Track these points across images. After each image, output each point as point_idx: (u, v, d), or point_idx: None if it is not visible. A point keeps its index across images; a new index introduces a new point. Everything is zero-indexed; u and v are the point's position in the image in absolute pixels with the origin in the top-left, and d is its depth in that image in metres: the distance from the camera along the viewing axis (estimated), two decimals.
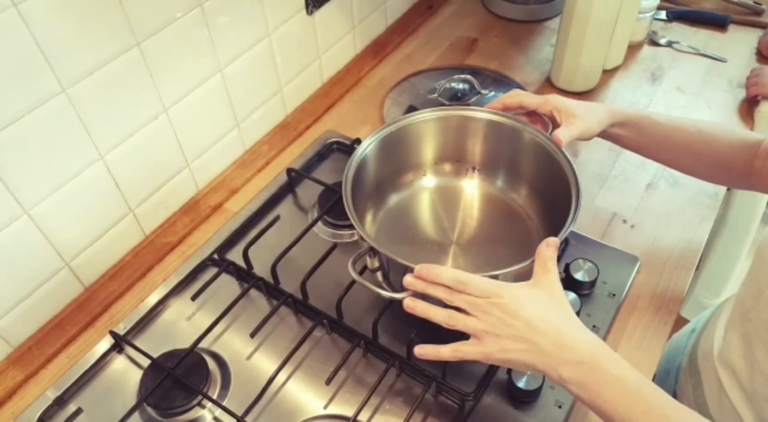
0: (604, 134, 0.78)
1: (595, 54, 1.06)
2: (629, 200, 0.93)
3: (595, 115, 0.75)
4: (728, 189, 1.02)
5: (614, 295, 0.79)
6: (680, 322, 0.93)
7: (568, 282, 0.79)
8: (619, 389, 0.52)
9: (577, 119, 0.74)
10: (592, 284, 0.78)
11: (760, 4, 1.25)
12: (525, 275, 0.69)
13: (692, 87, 1.11)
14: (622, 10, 1.02)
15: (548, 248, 0.59)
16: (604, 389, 0.52)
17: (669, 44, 1.20)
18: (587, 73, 1.09)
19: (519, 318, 0.54)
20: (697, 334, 0.83)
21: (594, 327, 0.76)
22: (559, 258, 0.83)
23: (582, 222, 0.89)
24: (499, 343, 0.55)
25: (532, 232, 0.81)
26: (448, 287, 0.57)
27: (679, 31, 1.23)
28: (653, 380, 0.73)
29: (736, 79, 1.11)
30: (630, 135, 0.77)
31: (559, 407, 0.69)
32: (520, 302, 0.55)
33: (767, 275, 0.61)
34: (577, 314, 0.74)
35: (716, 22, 1.23)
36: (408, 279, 0.60)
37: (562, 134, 0.73)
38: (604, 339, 0.76)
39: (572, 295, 0.76)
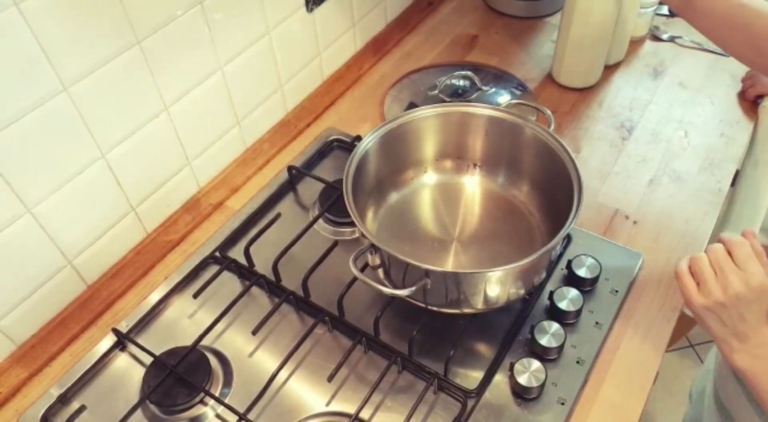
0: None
1: (597, 50, 1.05)
2: (631, 196, 0.92)
3: None
4: (732, 185, 1.02)
5: (617, 291, 0.79)
6: (683, 319, 0.93)
7: (571, 279, 0.79)
8: None
9: None
10: (595, 280, 0.78)
11: None
12: (527, 272, 0.70)
13: (695, 82, 1.10)
14: (623, 5, 1.02)
15: None
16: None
17: (671, 39, 1.19)
18: (588, 69, 1.08)
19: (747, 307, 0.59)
20: (714, 374, 0.84)
21: (597, 323, 0.76)
22: (561, 255, 0.83)
23: (584, 218, 0.88)
24: (712, 311, 0.60)
25: (534, 228, 0.81)
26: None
27: (682, 26, 1.22)
28: None
29: (739, 73, 1.10)
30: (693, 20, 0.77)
31: (562, 404, 0.69)
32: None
33: None
34: (579, 311, 0.75)
35: None
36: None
37: None
38: (607, 335, 0.76)
39: (574, 292, 0.76)
